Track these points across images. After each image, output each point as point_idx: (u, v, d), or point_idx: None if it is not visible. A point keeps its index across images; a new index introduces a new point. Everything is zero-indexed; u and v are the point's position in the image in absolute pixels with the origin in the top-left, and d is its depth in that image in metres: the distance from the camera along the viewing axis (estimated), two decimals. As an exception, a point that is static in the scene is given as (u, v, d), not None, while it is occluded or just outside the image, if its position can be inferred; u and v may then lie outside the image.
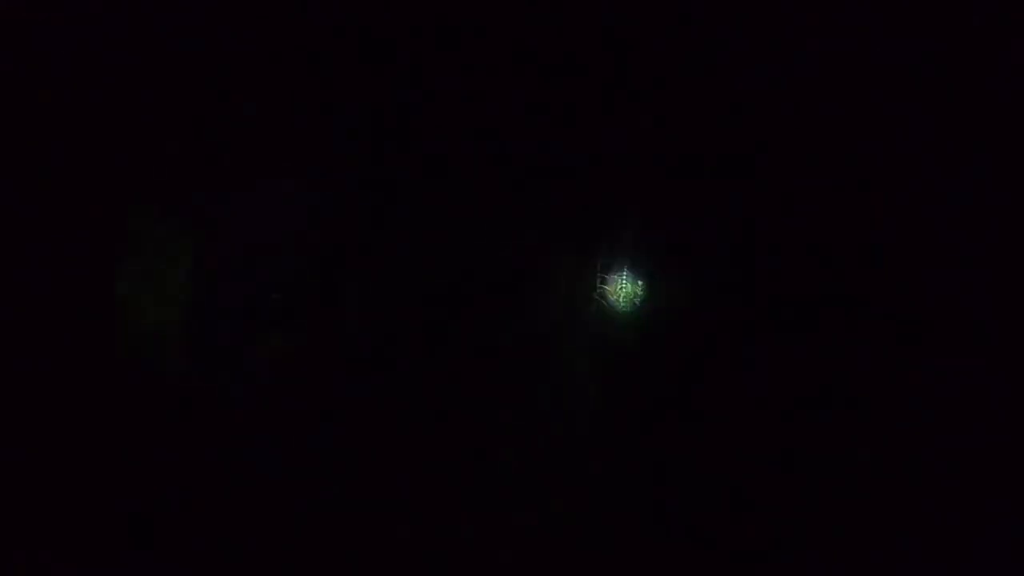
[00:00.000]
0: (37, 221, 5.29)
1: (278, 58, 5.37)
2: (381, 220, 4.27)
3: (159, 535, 3.27)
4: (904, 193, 5.03)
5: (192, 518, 3.38)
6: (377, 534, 3.37)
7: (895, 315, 4.61)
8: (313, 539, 3.28)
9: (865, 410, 4.00)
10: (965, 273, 4.55)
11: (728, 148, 5.41)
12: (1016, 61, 4.74)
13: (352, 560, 3.21)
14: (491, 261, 3.67)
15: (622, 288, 5.36)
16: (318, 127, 4.91)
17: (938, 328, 4.39)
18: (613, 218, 3.90)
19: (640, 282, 5.40)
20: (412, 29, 5.24)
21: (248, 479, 3.60)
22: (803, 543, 3.22)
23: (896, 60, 5.06)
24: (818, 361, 4.42)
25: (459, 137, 4.60)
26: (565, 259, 3.97)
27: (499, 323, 3.71)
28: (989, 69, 4.83)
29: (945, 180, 4.85)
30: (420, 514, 3.47)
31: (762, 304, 4.85)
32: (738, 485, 3.67)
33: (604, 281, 3.88)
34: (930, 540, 2.96)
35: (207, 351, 3.99)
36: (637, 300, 5.36)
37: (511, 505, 3.47)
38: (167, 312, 4.91)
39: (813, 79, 5.27)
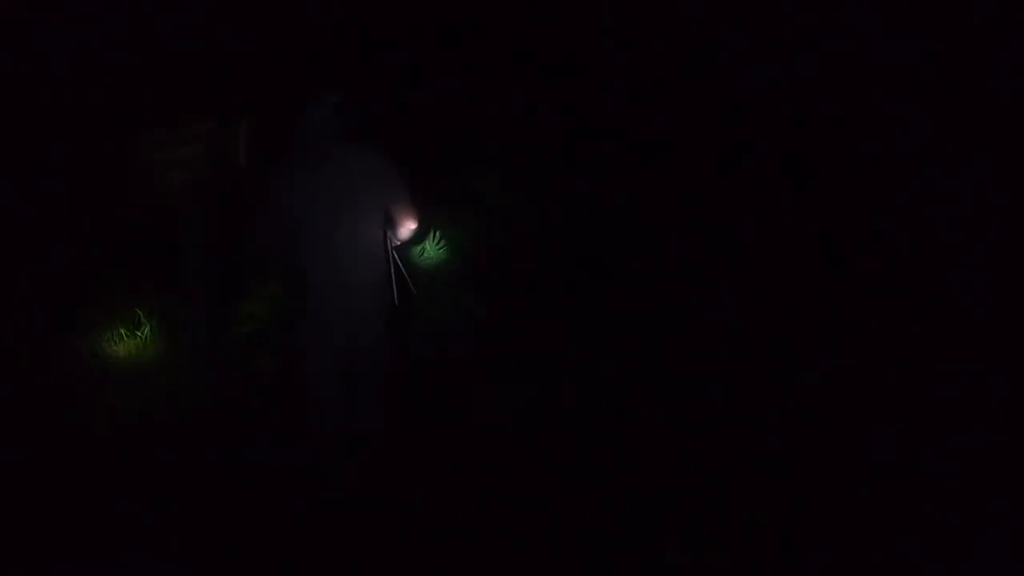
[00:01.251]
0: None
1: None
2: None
3: (159, 535, 3.26)
4: (904, 193, 5.03)
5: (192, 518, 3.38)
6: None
7: (893, 314, 4.61)
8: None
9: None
10: (965, 273, 4.55)
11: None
12: (1016, 61, 4.74)
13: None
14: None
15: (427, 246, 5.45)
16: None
17: (935, 328, 4.38)
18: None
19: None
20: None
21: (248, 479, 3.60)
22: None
23: (896, 60, 5.06)
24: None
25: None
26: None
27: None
28: (989, 69, 4.83)
29: (945, 180, 4.84)
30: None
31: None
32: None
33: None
34: (929, 540, 2.96)
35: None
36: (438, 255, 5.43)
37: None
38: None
39: (812, 79, 5.27)
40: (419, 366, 4.30)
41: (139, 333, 4.69)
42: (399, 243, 3.41)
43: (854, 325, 4.52)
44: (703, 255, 5.26)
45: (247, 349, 4.70)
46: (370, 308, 3.28)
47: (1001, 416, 3.64)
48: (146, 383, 4.44)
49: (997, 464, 3.31)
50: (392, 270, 3.35)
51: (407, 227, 3.35)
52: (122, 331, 4.68)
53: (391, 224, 3.33)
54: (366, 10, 5.84)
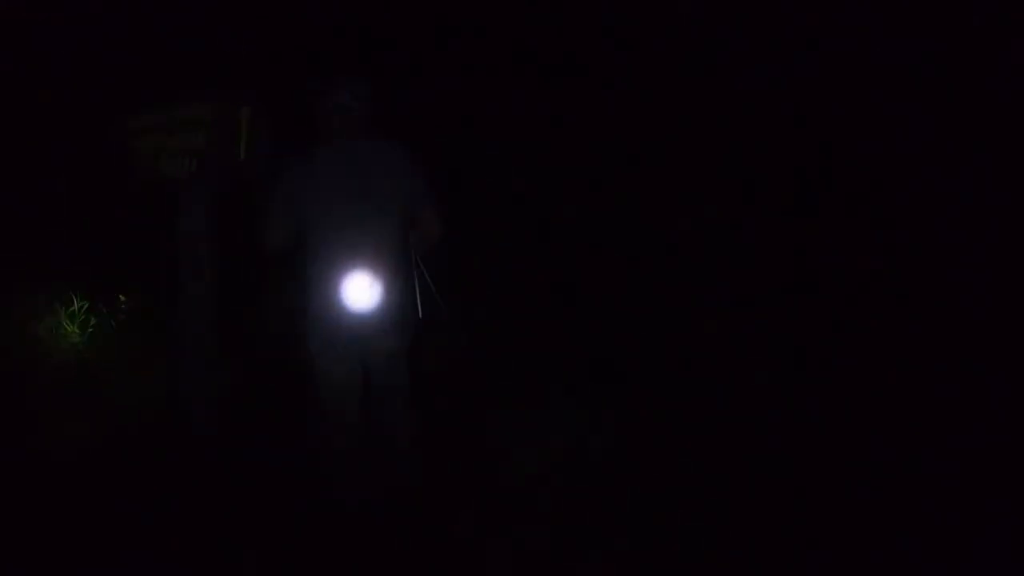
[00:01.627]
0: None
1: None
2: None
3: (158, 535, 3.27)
4: (904, 193, 5.03)
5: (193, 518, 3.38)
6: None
7: (892, 314, 4.61)
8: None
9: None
10: (965, 273, 4.55)
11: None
12: (1016, 61, 4.73)
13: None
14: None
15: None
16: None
17: (935, 328, 4.38)
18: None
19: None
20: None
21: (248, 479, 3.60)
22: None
23: (896, 60, 5.06)
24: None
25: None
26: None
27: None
28: (989, 69, 4.83)
29: (945, 180, 4.84)
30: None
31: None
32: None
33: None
34: (929, 540, 2.96)
35: None
36: None
37: None
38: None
39: (812, 79, 5.26)
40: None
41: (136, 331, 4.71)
42: (424, 250, 3.08)
43: (854, 325, 4.52)
44: (703, 255, 5.25)
45: (249, 348, 4.70)
46: (393, 319, 2.95)
47: (1001, 416, 3.64)
48: (144, 382, 4.45)
49: (997, 464, 3.31)
50: (416, 279, 3.05)
51: (433, 233, 2.99)
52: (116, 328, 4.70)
53: (415, 228, 2.99)
54: (366, 10, 5.83)
